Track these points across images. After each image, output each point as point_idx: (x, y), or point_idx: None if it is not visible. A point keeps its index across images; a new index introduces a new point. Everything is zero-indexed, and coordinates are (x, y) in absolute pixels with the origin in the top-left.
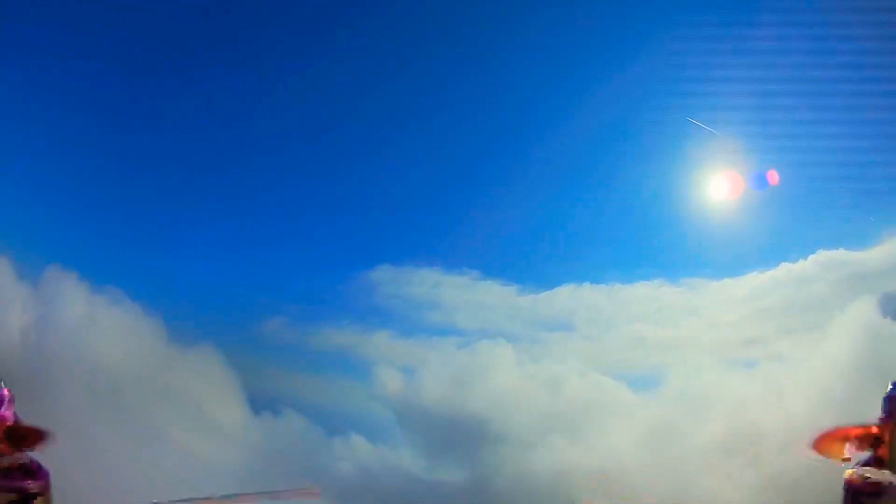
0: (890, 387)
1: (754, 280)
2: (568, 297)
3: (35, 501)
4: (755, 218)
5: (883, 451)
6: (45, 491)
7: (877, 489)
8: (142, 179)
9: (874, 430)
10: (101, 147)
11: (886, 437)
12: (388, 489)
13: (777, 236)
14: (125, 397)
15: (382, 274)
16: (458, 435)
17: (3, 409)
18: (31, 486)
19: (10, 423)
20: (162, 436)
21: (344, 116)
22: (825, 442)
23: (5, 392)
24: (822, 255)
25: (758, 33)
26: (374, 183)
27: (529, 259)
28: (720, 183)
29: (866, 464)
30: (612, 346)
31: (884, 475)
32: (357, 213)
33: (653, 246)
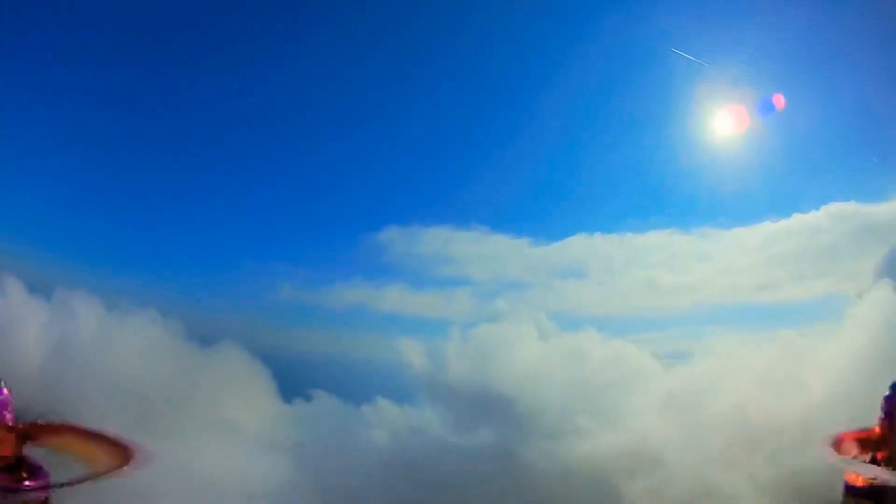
0: (889, 388)
1: (766, 229)
2: (580, 247)
3: (35, 501)
4: (767, 170)
5: (883, 451)
6: (44, 491)
7: (877, 490)
8: (139, 164)
9: (876, 431)
10: (91, 142)
11: (886, 437)
12: (418, 452)
13: (789, 188)
14: (154, 408)
15: (390, 234)
16: (483, 410)
17: (3, 409)
18: (31, 486)
19: (9, 423)
20: (199, 444)
21: (346, 80)
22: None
23: (5, 392)
24: (833, 207)
25: None
26: (376, 145)
27: (540, 211)
28: (733, 134)
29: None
30: (626, 291)
31: (884, 476)
32: (360, 176)
33: (664, 196)
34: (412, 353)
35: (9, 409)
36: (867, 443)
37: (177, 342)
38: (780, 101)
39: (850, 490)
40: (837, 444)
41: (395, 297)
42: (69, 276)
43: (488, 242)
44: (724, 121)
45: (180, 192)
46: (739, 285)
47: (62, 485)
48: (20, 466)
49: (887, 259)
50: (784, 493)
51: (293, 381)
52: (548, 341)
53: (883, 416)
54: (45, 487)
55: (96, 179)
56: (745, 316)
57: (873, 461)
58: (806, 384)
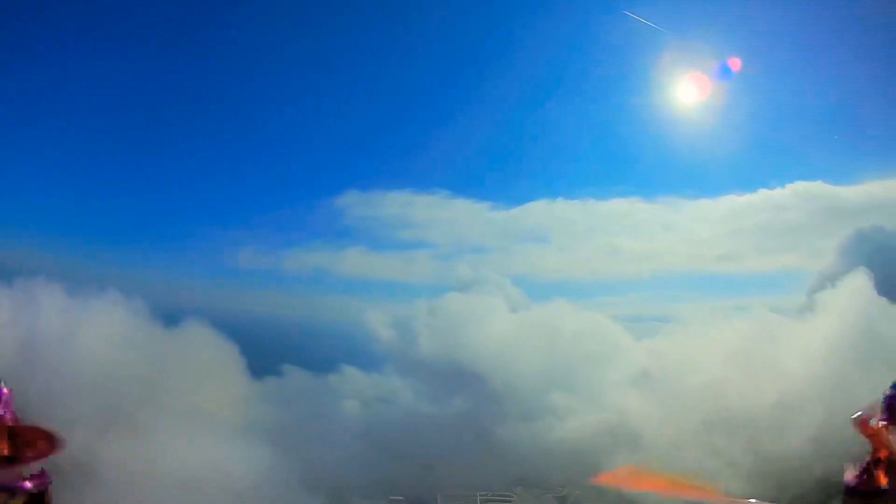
0: (890, 388)
1: (731, 202)
2: (541, 212)
3: (35, 501)
4: (735, 145)
5: (883, 452)
6: (44, 491)
7: (877, 490)
8: (89, 134)
9: (875, 430)
10: (38, 117)
11: (887, 438)
12: (391, 423)
13: (757, 163)
14: (125, 402)
15: (349, 199)
16: (454, 384)
17: (2, 408)
18: (31, 486)
19: (10, 423)
20: (175, 437)
21: (305, 45)
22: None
23: (4, 391)
24: (800, 186)
25: None
26: (334, 109)
27: (501, 176)
28: (700, 107)
29: (866, 465)
30: (587, 257)
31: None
32: (318, 141)
33: (628, 164)
34: (377, 321)
35: (10, 408)
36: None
37: (141, 324)
38: (736, 64)
39: (850, 490)
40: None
41: (354, 261)
42: (26, 260)
43: (449, 206)
44: (691, 91)
45: (133, 159)
46: (702, 255)
47: None
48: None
49: (851, 240)
50: (764, 480)
51: (261, 356)
52: (518, 313)
53: (883, 415)
54: (45, 487)
55: (45, 152)
56: (705, 284)
57: (873, 461)
58: (779, 365)
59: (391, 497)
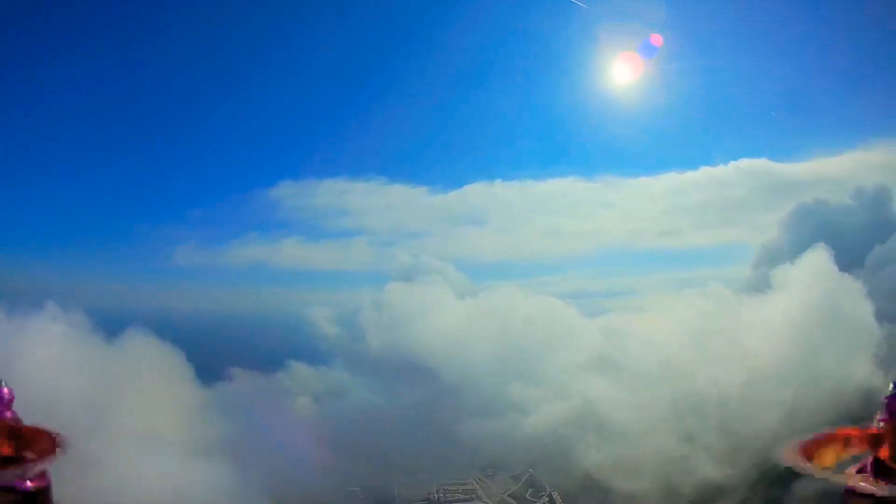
0: (891, 387)
1: (671, 180)
2: (479, 195)
3: (35, 501)
4: (675, 122)
5: (885, 452)
6: (44, 491)
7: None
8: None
9: (874, 430)
10: None
11: (889, 438)
12: (344, 418)
13: (699, 141)
14: (72, 424)
15: (283, 189)
16: (407, 379)
17: (3, 408)
18: (31, 486)
19: (10, 423)
20: (129, 462)
21: (232, 33)
22: (814, 448)
23: (5, 391)
24: (744, 163)
25: None
26: (264, 98)
27: (437, 160)
28: (639, 85)
29: (865, 467)
30: (527, 237)
31: (884, 489)
32: (250, 132)
33: (565, 144)
34: (321, 315)
35: (10, 408)
36: (863, 441)
37: (83, 339)
38: (658, 40)
39: (851, 493)
40: (810, 450)
41: (292, 252)
42: None
43: (385, 193)
44: (629, 70)
45: (60, 162)
46: (642, 231)
47: None
48: (20, 466)
49: (794, 214)
50: (738, 461)
51: (208, 360)
52: (466, 300)
53: (885, 415)
54: (45, 487)
55: None
56: (647, 260)
57: (875, 462)
58: (743, 344)
59: (349, 489)
